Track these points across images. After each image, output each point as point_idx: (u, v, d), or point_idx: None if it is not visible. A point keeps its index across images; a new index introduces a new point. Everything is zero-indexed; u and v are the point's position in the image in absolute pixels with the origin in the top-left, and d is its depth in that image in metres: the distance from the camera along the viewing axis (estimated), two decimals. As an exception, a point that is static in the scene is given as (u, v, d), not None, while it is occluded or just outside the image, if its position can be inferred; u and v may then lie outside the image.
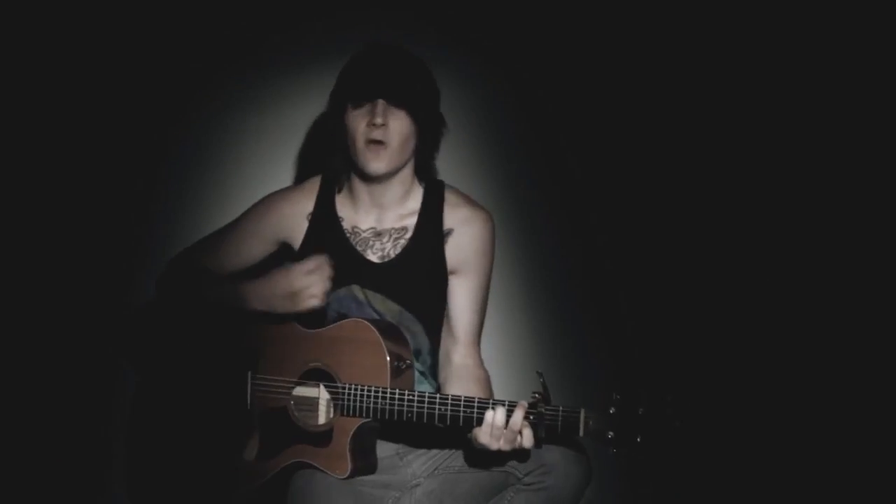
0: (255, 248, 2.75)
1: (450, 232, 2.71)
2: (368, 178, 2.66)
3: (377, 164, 2.62)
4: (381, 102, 2.59)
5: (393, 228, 2.71)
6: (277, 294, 2.58)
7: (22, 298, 3.08)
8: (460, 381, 2.72)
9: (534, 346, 3.33)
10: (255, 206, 2.77)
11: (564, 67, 3.27)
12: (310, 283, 2.56)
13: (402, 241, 2.70)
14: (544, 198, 3.33)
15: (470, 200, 2.76)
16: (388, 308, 2.68)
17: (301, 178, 3.08)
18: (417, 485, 2.67)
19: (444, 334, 2.76)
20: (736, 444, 3.21)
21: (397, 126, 2.61)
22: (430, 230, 2.71)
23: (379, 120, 2.59)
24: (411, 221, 2.72)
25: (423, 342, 2.72)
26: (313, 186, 2.75)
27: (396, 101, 2.60)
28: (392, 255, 2.70)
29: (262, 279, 2.61)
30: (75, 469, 3.12)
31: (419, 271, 2.70)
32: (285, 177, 3.18)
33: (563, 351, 3.32)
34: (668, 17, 3.23)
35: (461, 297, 2.73)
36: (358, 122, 2.61)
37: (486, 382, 2.73)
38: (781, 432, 3.24)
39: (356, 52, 2.67)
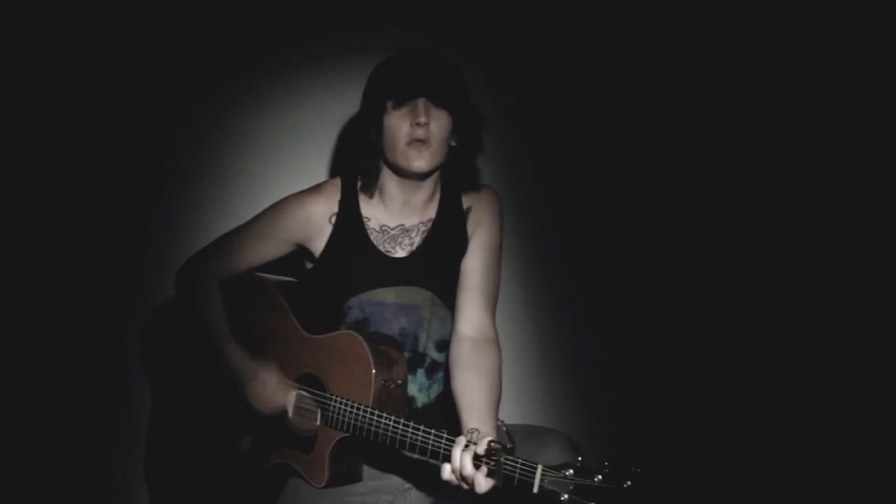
0: (270, 250, 2.74)
1: (469, 209, 2.74)
2: (408, 175, 2.66)
3: (420, 162, 2.63)
4: (423, 101, 2.61)
5: (420, 222, 2.72)
6: (243, 379, 2.65)
7: (24, 299, 3.14)
8: (466, 368, 2.62)
9: (534, 349, 3.31)
10: (270, 209, 2.75)
11: (564, 63, 3.26)
12: (269, 397, 2.64)
13: (427, 231, 2.72)
14: (543, 199, 3.32)
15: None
16: (423, 297, 2.69)
17: (303, 177, 3.06)
18: (410, 487, 2.66)
19: (457, 306, 2.71)
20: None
21: (439, 125, 2.63)
22: (451, 212, 2.73)
23: (423, 119, 2.60)
24: (434, 210, 2.73)
25: (448, 329, 2.72)
26: (334, 189, 2.73)
27: (438, 101, 2.62)
28: (418, 243, 2.71)
29: (244, 357, 2.66)
30: (75, 465, 3.20)
31: (445, 254, 2.71)
32: (287, 177, 3.14)
33: (562, 357, 3.32)
34: (668, 16, 3.19)
35: (475, 258, 2.73)
36: (400, 122, 2.62)
37: (494, 368, 2.63)
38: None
39: (389, 56, 2.68)
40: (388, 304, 2.68)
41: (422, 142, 2.61)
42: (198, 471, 2.81)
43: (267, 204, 2.75)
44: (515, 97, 3.28)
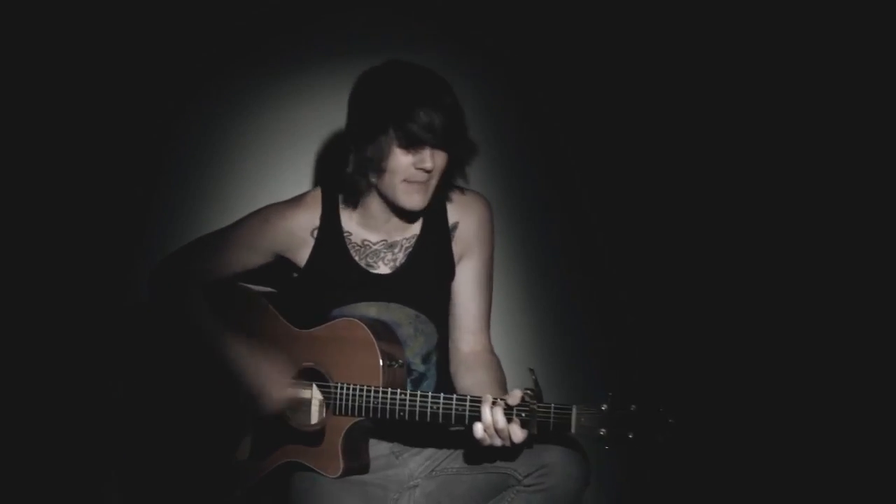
0: (252, 260, 2.71)
1: (455, 226, 2.73)
2: (398, 212, 2.65)
3: (416, 202, 2.60)
4: (429, 148, 2.56)
5: (404, 238, 2.71)
6: (251, 368, 2.60)
7: (19, 299, 3.09)
8: (470, 370, 2.70)
9: (533, 342, 3.32)
10: (251, 217, 2.72)
11: (564, 64, 3.26)
12: (275, 385, 2.59)
13: (410, 248, 2.71)
14: (544, 196, 3.34)
15: (465, 189, 2.76)
16: (404, 314, 2.69)
17: (303, 177, 3.08)
18: (415, 485, 2.66)
19: (451, 325, 2.74)
20: (732, 443, 3.19)
21: (438, 163, 2.59)
22: (436, 229, 2.71)
23: (428, 165, 2.56)
24: (418, 226, 2.72)
25: (434, 341, 2.73)
26: (315, 201, 2.71)
27: (442, 146, 2.58)
28: (402, 261, 2.70)
29: (251, 346, 2.62)
30: (69, 470, 3.12)
31: (429, 272, 2.71)
32: (285, 178, 3.16)
33: (562, 347, 3.32)
34: (668, 16, 3.24)
35: (466, 282, 2.73)
36: (403, 162, 2.57)
37: (497, 368, 2.71)
38: (778, 432, 3.22)
39: (394, 82, 2.60)
40: (370, 317, 2.67)
41: (421, 183, 2.60)
42: (197, 485, 2.71)
43: (265, 203, 2.73)
44: (513, 97, 3.28)
